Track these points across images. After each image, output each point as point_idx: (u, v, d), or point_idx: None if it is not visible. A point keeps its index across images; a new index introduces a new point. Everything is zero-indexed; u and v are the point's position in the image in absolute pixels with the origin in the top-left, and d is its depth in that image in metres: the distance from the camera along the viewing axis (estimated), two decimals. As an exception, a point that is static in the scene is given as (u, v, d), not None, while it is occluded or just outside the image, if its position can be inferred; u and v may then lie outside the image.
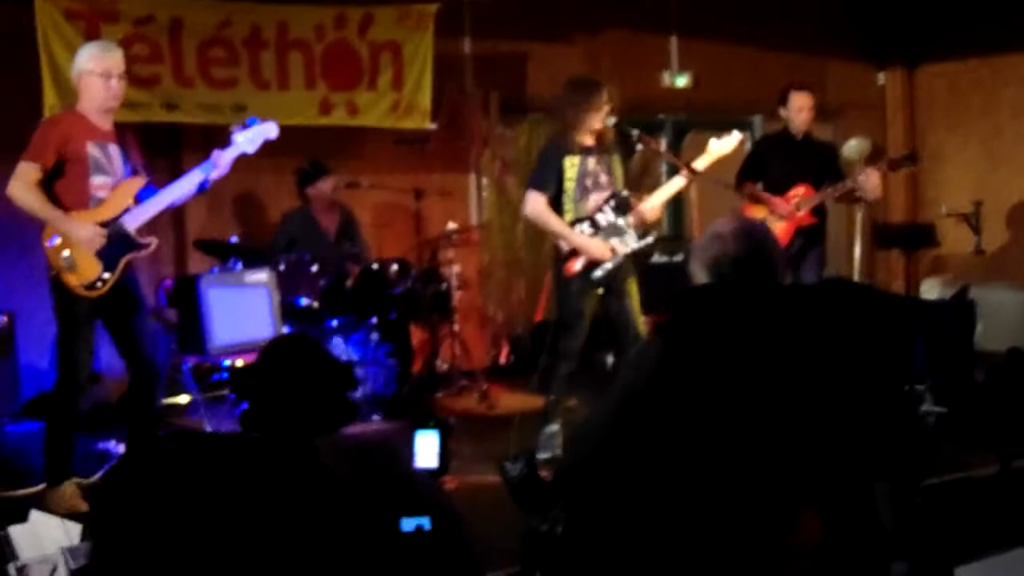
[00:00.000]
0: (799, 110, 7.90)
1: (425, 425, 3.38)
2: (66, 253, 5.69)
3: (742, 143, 6.96)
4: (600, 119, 6.51)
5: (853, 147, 9.86)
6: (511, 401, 8.47)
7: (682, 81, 11.12)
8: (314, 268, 7.98)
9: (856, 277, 9.97)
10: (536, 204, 6.52)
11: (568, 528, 3.28)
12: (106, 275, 5.76)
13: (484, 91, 10.24)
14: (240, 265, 7.71)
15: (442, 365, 9.07)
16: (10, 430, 7.50)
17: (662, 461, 3.03)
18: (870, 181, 7.66)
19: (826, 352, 3.14)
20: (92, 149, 5.80)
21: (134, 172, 5.99)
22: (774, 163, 7.96)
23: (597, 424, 3.50)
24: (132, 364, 6.00)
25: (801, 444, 2.99)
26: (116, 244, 5.77)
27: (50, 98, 7.74)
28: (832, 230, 11.43)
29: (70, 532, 4.16)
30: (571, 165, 6.51)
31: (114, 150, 5.93)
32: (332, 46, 9.05)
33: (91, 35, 7.82)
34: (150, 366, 6.02)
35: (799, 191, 7.78)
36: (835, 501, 3.06)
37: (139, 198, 5.92)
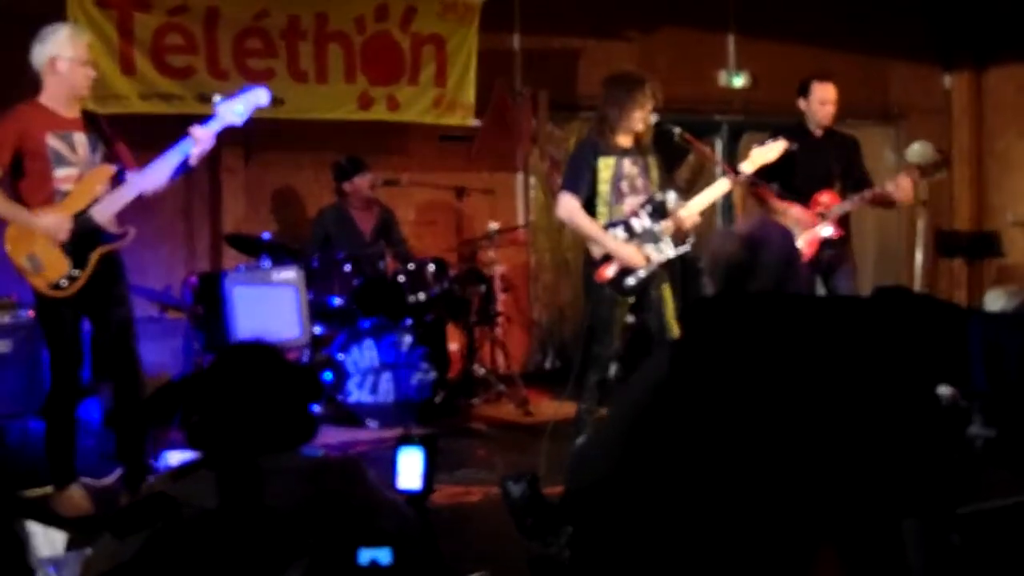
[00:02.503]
0: (822, 103, 7.35)
1: (409, 442, 3.03)
2: (30, 254, 5.44)
3: (787, 150, 6.56)
4: (643, 118, 6.20)
5: (916, 152, 9.42)
6: (551, 409, 8.17)
7: (739, 81, 10.83)
8: (347, 267, 7.78)
9: (917, 286, 9.60)
10: (569, 206, 6.23)
11: (576, 553, 3.08)
12: (75, 272, 5.47)
13: (533, 88, 10.00)
14: (269, 262, 7.53)
15: (479, 370, 8.78)
16: (34, 427, 7.31)
17: (668, 484, 2.78)
18: (901, 188, 7.19)
19: (855, 370, 2.84)
20: (52, 141, 5.50)
21: (106, 160, 5.66)
22: (793, 163, 7.13)
23: (603, 444, 3.28)
24: (112, 366, 5.73)
25: (820, 471, 2.70)
26: (85, 238, 5.48)
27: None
28: (892, 237, 11.11)
29: (54, 542, 3.98)
30: (606, 167, 6.21)
31: (80, 139, 5.59)
32: (373, 39, 8.86)
33: (124, 24, 7.72)
34: (131, 368, 5.69)
35: (823, 199, 7.23)
36: (856, 538, 2.76)
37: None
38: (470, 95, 9.18)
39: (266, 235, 7.88)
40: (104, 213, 5.56)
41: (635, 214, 6.21)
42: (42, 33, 5.66)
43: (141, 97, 7.99)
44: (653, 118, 6.25)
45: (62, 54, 5.53)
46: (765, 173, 7.13)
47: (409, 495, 2.99)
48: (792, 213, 7.02)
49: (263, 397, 2.77)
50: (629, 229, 6.19)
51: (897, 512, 2.84)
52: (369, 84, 8.88)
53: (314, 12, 8.62)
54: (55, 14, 7.61)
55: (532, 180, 10.18)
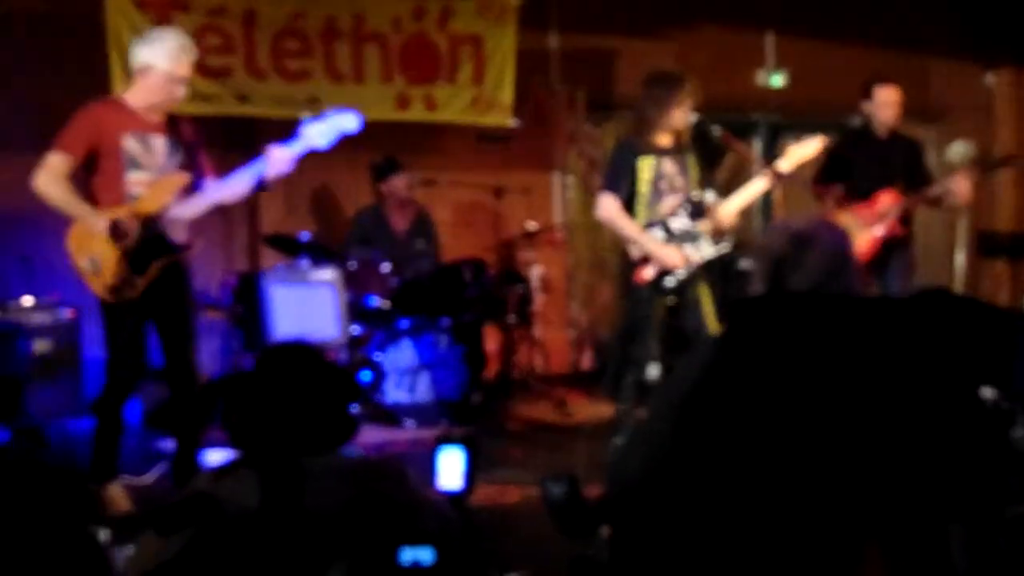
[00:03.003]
0: (885, 105, 7.36)
1: (449, 441, 3.02)
2: (91, 255, 5.35)
3: (825, 147, 6.51)
4: (682, 117, 6.16)
5: (957, 151, 9.36)
6: (590, 410, 8.18)
7: (778, 80, 10.75)
8: (385, 267, 7.78)
9: (958, 288, 9.50)
10: (609, 206, 6.19)
11: (615, 554, 3.05)
12: (134, 278, 5.37)
13: (570, 88, 9.98)
14: (308, 262, 7.53)
15: (518, 371, 8.75)
16: (73, 427, 7.35)
17: (711, 483, 2.74)
18: (961, 187, 7.17)
19: (897, 371, 2.80)
20: (129, 142, 5.40)
21: (183, 167, 5.57)
22: (857, 164, 7.38)
23: (644, 443, 3.24)
24: (171, 373, 5.62)
25: (863, 473, 2.67)
26: (149, 244, 5.39)
27: (119, 88, 7.60)
28: (932, 238, 11.01)
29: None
30: (646, 167, 6.17)
31: (158, 142, 5.51)
32: (410, 39, 8.84)
33: (162, 25, 7.68)
34: (189, 381, 5.59)
35: (885, 198, 7.26)
36: (901, 540, 2.72)
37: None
38: (508, 95, 9.14)
39: (304, 235, 7.88)
40: (173, 221, 5.47)
41: (673, 214, 6.17)
42: (150, 35, 5.58)
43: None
44: (693, 117, 6.20)
45: (158, 65, 5.41)
46: (827, 174, 7.15)
47: (450, 495, 2.97)
48: (856, 211, 7.04)
49: (304, 397, 2.77)
50: (667, 229, 6.14)
51: (942, 514, 2.81)
52: (407, 84, 8.86)
53: (351, 12, 8.62)
54: (95, 14, 7.69)
55: (569, 180, 10.14)
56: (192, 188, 5.60)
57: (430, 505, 2.77)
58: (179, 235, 5.55)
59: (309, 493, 2.53)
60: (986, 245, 11.03)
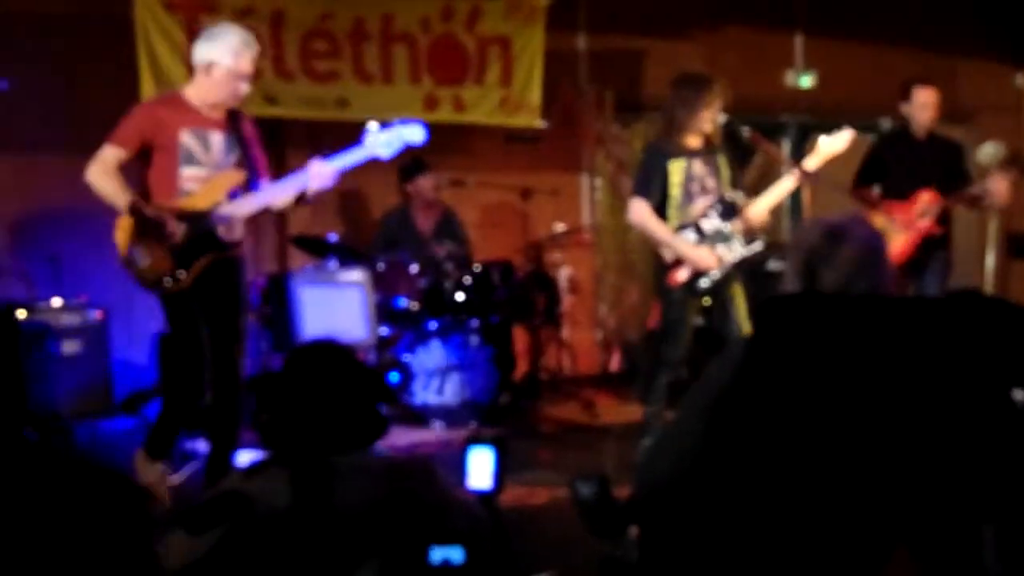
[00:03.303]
0: (923, 107, 7.34)
1: (479, 441, 2.98)
2: (137, 245, 5.29)
3: (854, 140, 6.46)
4: (711, 118, 6.13)
5: (987, 152, 9.28)
6: (618, 411, 8.17)
7: (807, 81, 10.71)
8: (413, 269, 7.77)
9: (988, 289, 9.45)
10: (641, 211, 6.18)
11: (643, 556, 3.03)
12: (179, 272, 5.30)
13: (599, 89, 9.96)
14: (336, 263, 7.53)
15: (546, 372, 8.74)
16: (102, 427, 7.37)
17: (741, 484, 2.72)
18: (999, 188, 7.13)
19: (929, 372, 2.77)
20: (186, 138, 5.34)
21: (239, 165, 5.49)
22: (895, 165, 7.37)
23: (673, 444, 3.22)
24: (216, 370, 5.46)
25: (895, 474, 2.64)
26: (197, 241, 5.29)
27: (147, 89, 7.65)
28: (962, 239, 10.92)
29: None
30: (677, 169, 6.15)
31: (216, 139, 5.42)
32: (438, 39, 8.83)
33: (190, 26, 7.73)
34: (232, 381, 5.46)
35: (923, 198, 7.22)
36: (932, 542, 2.70)
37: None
38: (536, 96, 9.11)
39: (332, 236, 7.88)
40: (224, 219, 5.38)
41: (704, 215, 6.14)
42: (212, 31, 5.51)
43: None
44: (722, 118, 6.17)
45: (222, 62, 5.35)
46: (866, 176, 7.13)
47: (480, 495, 2.93)
48: (894, 211, 7.01)
49: (334, 395, 2.78)
50: (699, 231, 6.12)
51: (973, 516, 2.78)
52: (435, 85, 8.85)
53: (379, 13, 8.62)
54: (123, 16, 7.71)
55: (598, 181, 10.13)
56: (247, 187, 5.53)
57: (460, 504, 2.77)
58: (235, 233, 5.48)
59: (339, 492, 2.53)
60: (1016, 247, 10.96)
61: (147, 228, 5.26)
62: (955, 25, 11.01)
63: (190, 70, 7.87)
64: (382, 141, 5.51)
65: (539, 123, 9.22)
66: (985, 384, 2.80)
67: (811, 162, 6.28)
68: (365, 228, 9.08)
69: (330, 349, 2.90)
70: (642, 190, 6.22)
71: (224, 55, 5.35)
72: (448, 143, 9.08)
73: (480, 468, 2.96)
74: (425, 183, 8.43)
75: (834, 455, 2.64)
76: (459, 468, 2.97)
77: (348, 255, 7.71)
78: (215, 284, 5.40)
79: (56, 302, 7.33)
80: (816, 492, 2.63)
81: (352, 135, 8.68)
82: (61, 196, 7.60)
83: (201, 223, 5.31)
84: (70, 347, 7.26)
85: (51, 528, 1.85)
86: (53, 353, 7.16)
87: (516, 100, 9.09)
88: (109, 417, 7.52)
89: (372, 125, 5.59)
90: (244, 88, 5.46)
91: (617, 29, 9.97)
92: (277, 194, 5.55)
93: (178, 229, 5.24)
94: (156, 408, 6.48)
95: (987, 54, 11.42)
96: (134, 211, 5.22)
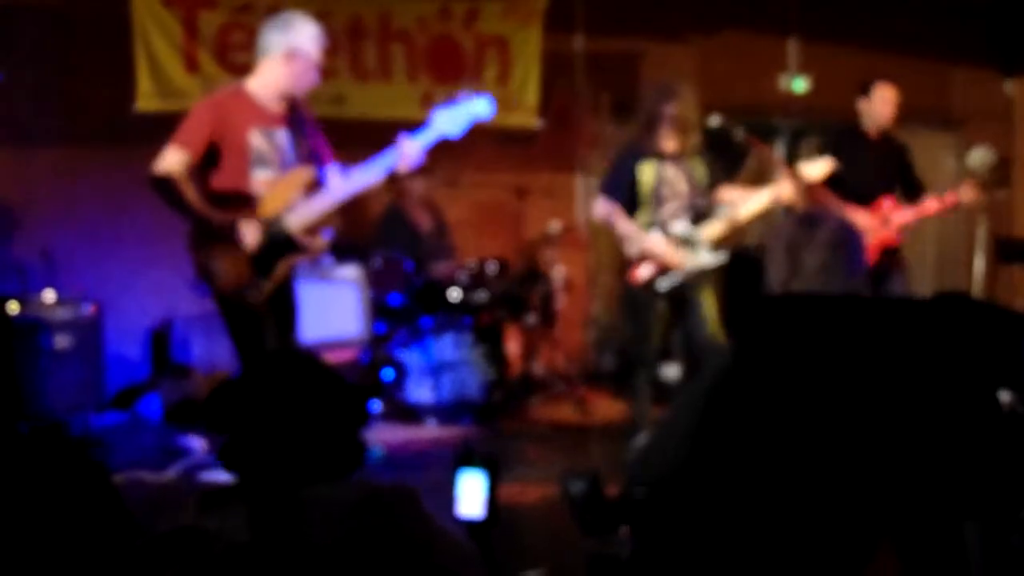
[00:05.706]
0: (884, 101, 7.25)
1: (469, 463, 2.60)
2: (211, 258, 5.03)
3: (831, 169, 6.36)
4: (675, 124, 6.15)
5: (977, 158, 9.31)
6: (610, 410, 8.16)
7: (800, 86, 10.70)
8: (409, 266, 7.77)
9: (976, 293, 9.48)
10: (604, 206, 6.29)
11: (635, 553, 3.05)
12: (261, 280, 5.07)
13: (595, 90, 9.96)
14: (331, 260, 7.54)
15: (539, 370, 8.76)
16: (95, 422, 7.36)
17: (730, 485, 2.74)
18: (967, 196, 7.15)
19: (919, 374, 2.80)
20: (255, 138, 5.10)
21: (305, 160, 5.27)
22: (851, 166, 7.00)
23: (665, 443, 3.25)
24: None
25: (879, 472, 2.67)
26: (273, 246, 5.10)
27: (145, 87, 7.66)
28: (951, 243, 10.98)
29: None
30: (647, 171, 6.19)
31: (283, 136, 5.20)
32: (436, 39, 8.88)
33: (189, 22, 7.74)
34: None
35: (886, 204, 7.16)
36: (916, 539, 2.72)
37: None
38: (533, 96, 9.16)
39: (327, 232, 7.88)
40: (298, 220, 5.21)
41: (674, 218, 6.16)
42: (285, 18, 5.24)
43: (204, 93, 8.02)
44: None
45: (303, 49, 5.15)
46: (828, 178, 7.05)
47: (470, 524, 2.62)
48: (859, 216, 6.93)
49: (303, 416, 2.36)
50: (667, 233, 6.14)
51: (957, 514, 2.80)
52: (432, 84, 8.89)
53: (377, 12, 8.65)
54: (119, 10, 7.71)
55: (592, 181, 10.10)
56: (316, 180, 5.36)
57: (446, 539, 2.50)
58: (316, 235, 5.35)
59: (310, 526, 2.21)
60: (1005, 251, 10.98)
61: (220, 238, 5.01)
62: (947, 32, 11.04)
63: (186, 65, 7.92)
64: (450, 118, 5.34)
65: (535, 123, 9.24)
66: (972, 385, 2.83)
67: (785, 189, 6.18)
68: (360, 225, 9.07)
69: (300, 359, 2.52)
70: (607, 188, 6.32)
71: (307, 42, 5.18)
72: (443, 142, 9.06)
73: (471, 494, 2.65)
74: (415, 184, 8.37)
75: (819, 453, 2.66)
76: (450, 467, 2.80)
77: (343, 251, 7.70)
78: (288, 290, 5.28)
79: (49, 296, 7.30)
80: (804, 490, 2.65)
81: (349, 132, 8.74)
82: (54, 189, 7.60)
83: (278, 228, 5.12)
84: (62, 341, 7.23)
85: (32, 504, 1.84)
86: (45, 347, 7.12)
87: (513, 100, 9.12)
88: (101, 412, 7.51)
89: (437, 105, 5.42)
90: (318, 78, 5.30)
91: (614, 32, 9.97)
92: (365, 180, 5.31)
93: (254, 237, 5.02)
94: (148, 404, 6.48)
95: (978, 61, 11.45)
96: (222, 227, 4.97)
